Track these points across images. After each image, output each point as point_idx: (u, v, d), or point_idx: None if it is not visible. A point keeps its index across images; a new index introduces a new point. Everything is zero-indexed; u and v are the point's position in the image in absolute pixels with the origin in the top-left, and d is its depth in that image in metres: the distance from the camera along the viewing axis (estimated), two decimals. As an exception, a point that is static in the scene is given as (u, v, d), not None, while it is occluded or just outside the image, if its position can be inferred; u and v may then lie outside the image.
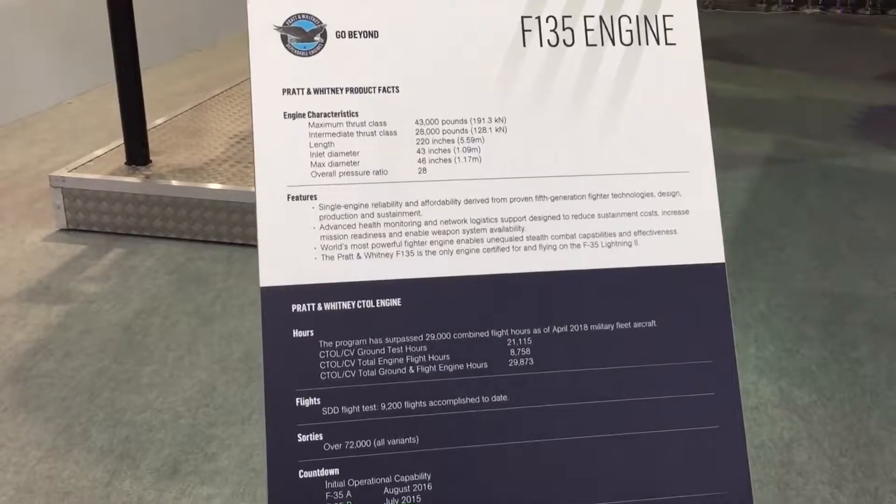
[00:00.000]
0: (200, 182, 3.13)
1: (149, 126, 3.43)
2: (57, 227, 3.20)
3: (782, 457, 2.00)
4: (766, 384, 2.28)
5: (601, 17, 0.96)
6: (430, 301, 0.87)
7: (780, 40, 7.27)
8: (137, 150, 3.26)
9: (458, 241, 0.87)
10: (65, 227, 3.19)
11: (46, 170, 3.83)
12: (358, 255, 0.88)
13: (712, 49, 6.81)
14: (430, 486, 0.84)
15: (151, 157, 3.32)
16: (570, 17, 0.96)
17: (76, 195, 3.15)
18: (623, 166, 0.93)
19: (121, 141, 3.47)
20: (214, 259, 2.99)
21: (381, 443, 0.86)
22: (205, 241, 3.10)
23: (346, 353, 0.87)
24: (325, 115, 0.90)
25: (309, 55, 0.93)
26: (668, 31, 1.01)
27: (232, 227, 3.08)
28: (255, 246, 3.08)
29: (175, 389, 2.25)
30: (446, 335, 0.88)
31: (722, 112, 4.92)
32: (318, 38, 0.92)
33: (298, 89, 0.91)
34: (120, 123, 4.46)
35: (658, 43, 1.02)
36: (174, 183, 3.12)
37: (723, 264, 0.96)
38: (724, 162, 4.01)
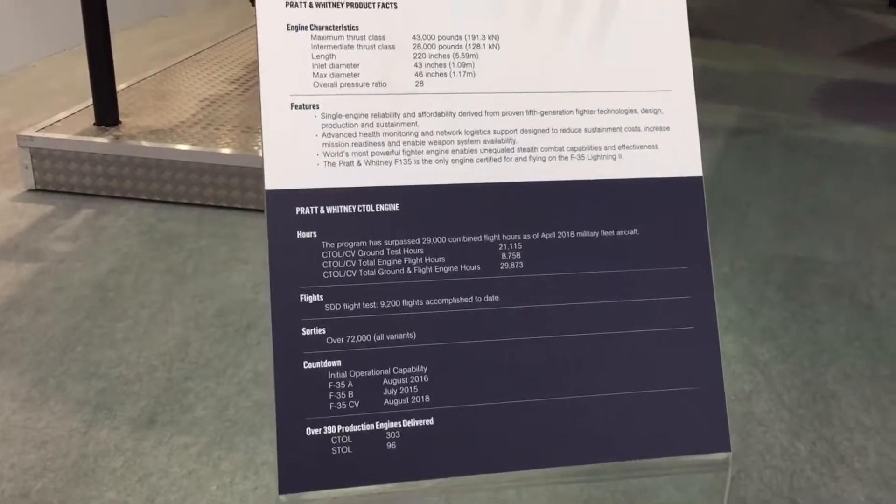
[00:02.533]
0: (171, 143, 3.12)
1: (117, 88, 3.39)
2: (25, 187, 3.17)
3: (743, 408, 2.08)
4: (729, 342, 2.35)
5: None
6: (427, 206, 0.93)
7: (749, 15, 7.36)
8: (107, 111, 3.24)
9: (453, 151, 0.93)
10: (33, 188, 3.16)
11: (12, 132, 3.78)
12: (358, 161, 0.92)
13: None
14: (426, 378, 0.90)
15: (121, 119, 3.30)
16: None
17: (44, 155, 3.12)
18: (608, 84, 0.99)
19: (89, 102, 3.44)
20: (185, 220, 2.99)
21: (380, 337, 0.91)
22: (175, 203, 3.10)
23: (348, 253, 0.92)
24: (327, 27, 0.95)
25: None
26: (653, -47, 1.06)
27: (203, 188, 3.08)
28: (226, 207, 3.09)
29: (149, 345, 2.26)
30: (442, 239, 0.93)
31: (699, 86, 4.99)
32: None
33: (301, 2, 0.95)
34: (87, 87, 4.42)
35: (643, -34, 1.06)
36: (144, 143, 3.10)
37: (700, 178, 1.03)
38: (691, 132, 4.09)
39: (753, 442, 1.95)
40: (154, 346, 2.26)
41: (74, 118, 3.31)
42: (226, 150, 3.08)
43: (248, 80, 3.95)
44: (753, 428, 2.00)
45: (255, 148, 3.10)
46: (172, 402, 2.04)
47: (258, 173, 3.03)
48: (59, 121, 3.27)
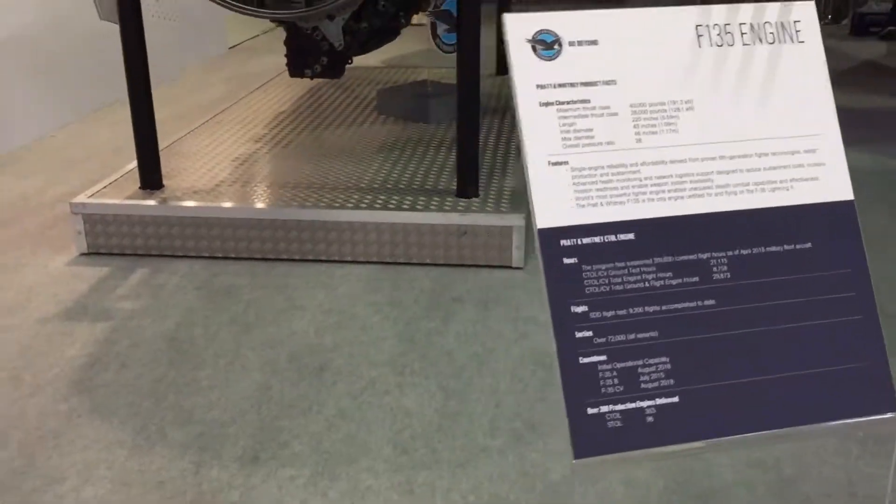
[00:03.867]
0: (216, 202, 3.30)
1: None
2: (77, 251, 3.33)
3: None
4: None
5: (751, 24, 1.31)
6: (654, 234, 1.22)
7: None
8: (151, 175, 3.42)
9: (668, 191, 1.24)
10: (85, 252, 3.32)
11: (49, 200, 3.95)
12: (601, 203, 1.20)
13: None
14: (669, 367, 1.17)
15: (164, 182, 3.48)
16: (729, 24, 1.36)
17: (97, 220, 3.29)
18: (776, 132, 1.34)
19: (129, 167, 3.63)
20: (236, 273, 3.17)
21: (631, 336, 1.17)
22: (224, 258, 3.28)
23: (601, 273, 1.17)
24: (568, 102, 1.23)
25: (552, 59, 1.24)
26: (798, 33, 1.40)
27: (250, 242, 3.26)
28: (273, 259, 3.26)
29: (234, 390, 2.43)
30: (668, 258, 1.23)
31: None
32: (556, 46, 1.22)
33: (548, 84, 1.20)
34: (109, 153, 4.61)
35: (792, 42, 1.39)
36: (191, 204, 3.29)
37: (852, 200, 1.32)
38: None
39: None
40: (238, 391, 2.42)
41: (119, 183, 3.49)
42: (268, 206, 3.27)
43: (271, 139, 4.16)
44: None
45: (294, 203, 3.29)
46: (269, 440, 2.20)
47: (301, 226, 3.24)
48: (105, 186, 3.44)
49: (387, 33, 3.52)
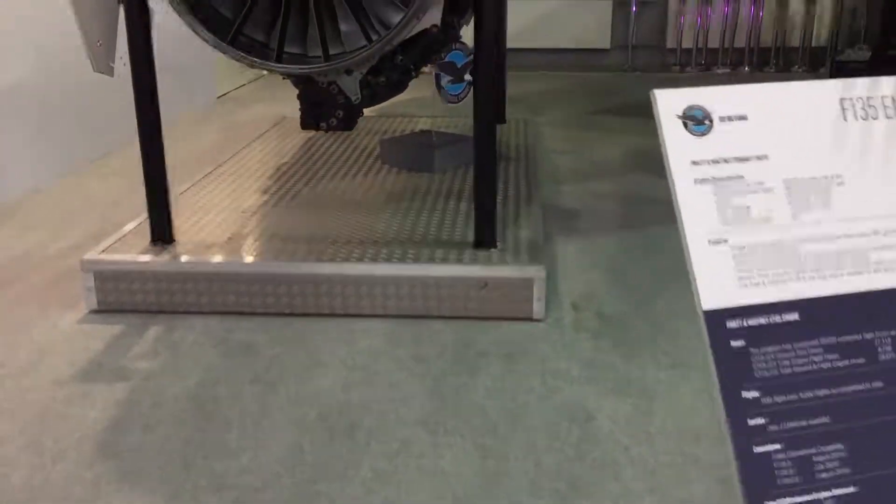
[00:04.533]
0: (229, 257, 3.25)
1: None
2: (87, 309, 3.25)
3: None
4: None
5: (892, 97, 1.27)
6: (817, 314, 1.19)
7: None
8: (163, 230, 3.37)
9: (828, 269, 1.22)
10: (95, 309, 3.25)
11: (53, 255, 3.87)
12: (762, 282, 1.17)
13: (646, 109, 7.30)
14: (844, 454, 1.15)
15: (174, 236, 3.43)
16: (872, 97, 1.35)
17: (108, 277, 3.22)
18: None
19: (138, 221, 3.58)
20: (253, 330, 3.11)
21: (804, 423, 1.14)
22: (238, 313, 3.22)
23: (769, 356, 1.14)
24: (723, 179, 1.19)
25: (703, 135, 1.22)
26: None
27: (265, 297, 3.21)
28: (288, 314, 3.21)
29: (265, 452, 2.36)
30: (833, 339, 1.20)
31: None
32: (707, 122, 1.19)
33: (702, 161, 1.18)
34: (107, 206, 4.56)
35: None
36: (205, 259, 3.24)
37: None
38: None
39: None
40: (270, 454, 2.35)
41: (128, 238, 3.43)
42: (284, 261, 3.22)
43: (277, 191, 4.13)
44: None
45: (310, 257, 3.25)
46: (309, 505, 2.14)
47: (318, 280, 3.19)
48: (115, 242, 3.38)
49: (398, 86, 3.53)
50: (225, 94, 7.99)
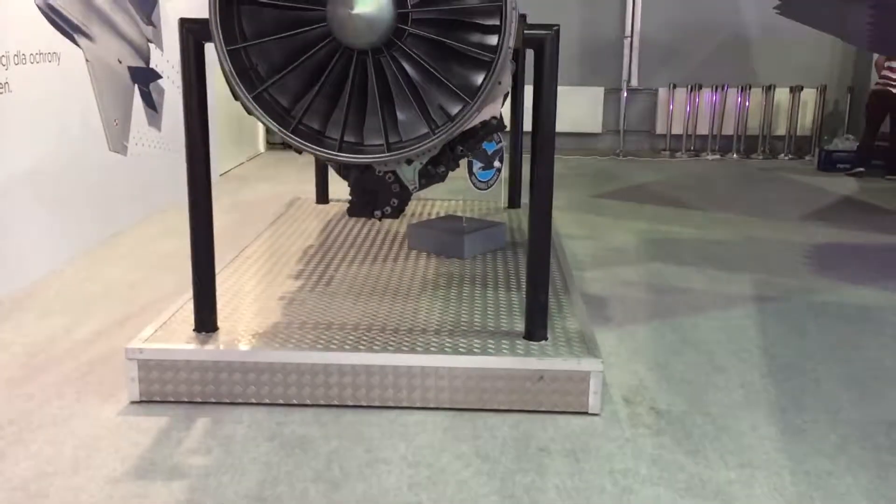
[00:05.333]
0: (275, 347, 3.17)
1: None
2: (128, 399, 3.13)
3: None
4: (877, 507, 2.51)
5: None
6: None
7: (700, 185, 8.02)
8: (207, 318, 3.28)
9: None
10: (137, 400, 3.13)
11: (79, 341, 3.75)
12: None
13: (647, 194, 7.44)
14: None
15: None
16: None
17: (152, 366, 3.11)
18: None
19: (175, 309, 3.49)
20: (304, 422, 3.01)
21: None
22: (285, 405, 3.12)
23: None
24: None
25: None
26: None
27: (315, 389, 3.12)
28: (338, 406, 3.12)
29: (345, 559, 2.25)
30: None
31: (690, 253, 5.39)
32: None
33: None
34: (125, 289, 4.47)
35: None
36: (252, 349, 3.15)
37: None
38: (723, 302, 4.41)
39: None
40: (350, 561, 2.25)
41: (169, 326, 3.33)
42: (333, 351, 3.15)
43: (309, 276, 4.07)
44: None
45: (361, 347, 3.18)
46: None
47: (369, 371, 3.12)
48: (156, 330, 3.28)
49: (446, 173, 3.53)
50: (227, 172, 7.96)
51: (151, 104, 6.13)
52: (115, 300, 4.30)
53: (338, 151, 2.99)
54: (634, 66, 9.77)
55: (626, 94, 9.80)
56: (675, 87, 9.69)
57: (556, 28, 3.10)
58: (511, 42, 2.87)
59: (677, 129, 9.83)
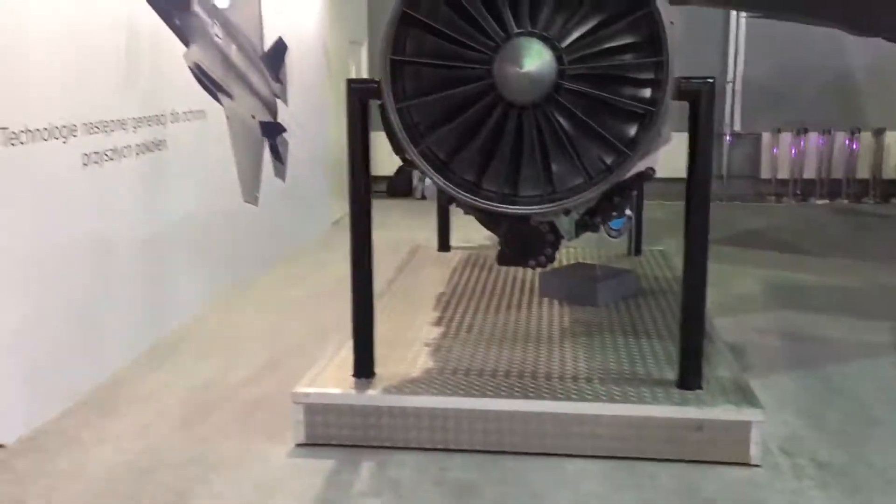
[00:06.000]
0: (435, 393, 3.25)
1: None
2: (293, 442, 3.25)
3: None
4: None
5: None
6: None
7: (812, 230, 7.87)
8: (366, 364, 3.39)
9: None
10: (302, 443, 3.24)
11: (234, 384, 3.91)
12: None
13: (760, 240, 7.34)
14: None
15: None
16: None
17: (317, 410, 3.23)
18: None
19: (332, 354, 3.61)
20: (466, 467, 3.07)
21: None
22: (445, 450, 3.18)
23: None
24: None
25: None
26: None
27: (473, 434, 3.18)
28: (497, 452, 3.15)
29: None
30: None
31: (818, 300, 5.29)
32: None
33: None
34: (266, 334, 4.63)
35: None
36: (413, 395, 3.24)
37: None
38: (866, 350, 4.31)
39: None
40: None
41: (328, 371, 3.45)
42: (491, 397, 3.21)
43: (449, 322, 4.15)
44: None
45: (517, 393, 3.24)
46: None
47: (527, 418, 3.17)
48: (318, 375, 3.41)
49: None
50: (339, 221, 8.20)
51: (278, 156, 6.40)
52: (259, 344, 4.47)
53: (499, 203, 3.09)
54: (737, 110, 9.71)
55: (729, 139, 9.73)
56: (779, 131, 9.57)
57: (711, 80, 3.15)
58: (670, 95, 2.94)
59: (783, 174, 9.68)
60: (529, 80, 2.91)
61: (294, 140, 6.69)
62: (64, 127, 3.57)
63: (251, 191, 5.88)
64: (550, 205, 3.01)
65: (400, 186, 9.84)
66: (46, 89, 3.46)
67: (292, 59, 6.64)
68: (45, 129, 3.45)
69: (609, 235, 4.50)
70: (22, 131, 3.29)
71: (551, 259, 3.39)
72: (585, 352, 3.74)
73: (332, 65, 7.89)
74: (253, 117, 5.89)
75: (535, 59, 2.90)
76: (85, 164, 3.75)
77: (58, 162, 3.55)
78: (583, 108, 3.03)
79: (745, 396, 3.19)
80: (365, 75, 9.39)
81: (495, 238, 5.59)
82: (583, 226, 3.34)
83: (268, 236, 6.16)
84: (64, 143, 3.58)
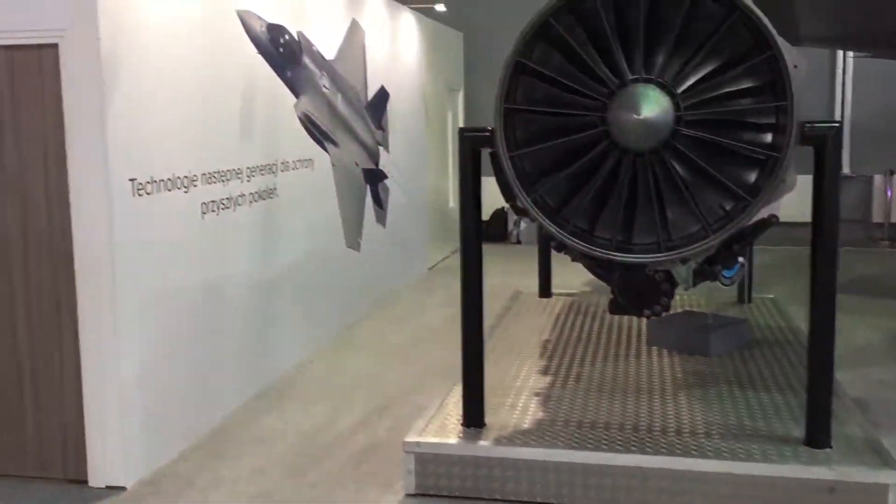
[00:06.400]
0: (548, 445, 3.18)
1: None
2: (404, 491, 3.22)
3: None
4: None
5: None
6: None
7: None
8: (476, 414, 3.35)
9: None
10: (412, 493, 3.21)
11: (343, 431, 3.92)
12: None
13: (875, 287, 7.00)
14: None
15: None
16: None
17: (428, 460, 3.20)
18: None
19: (440, 403, 3.59)
20: (580, 524, 2.98)
21: None
22: (558, 505, 3.10)
23: None
24: None
25: None
26: None
27: (587, 489, 3.09)
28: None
29: None
30: None
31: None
32: None
33: None
34: (370, 381, 4.64)
35: None
36: (526, 447, 3.17)
37: None
38: None
39: None
40: None
41: (437, 421, 3.42)
42: (606, 451, 3.12)
43: (555, 371, 4.08)
44: None
45: (633, 448, 3.14)
46: None
47: (645, 474, 3.05)
48: (427, 425, 3.38)
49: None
50: (435, 266, 8.24)
51: (379, 202, 6.48)
52: (365, 391, 4.49)
53: (614, 250, 3.03)
54: (846, 152, 9.37)
55: (836, 182, 9.38)
56: (892, 173, 9.19)
57: (838, 124, 3.03)
58: (795, 141, 2.84)
59: (896, 218, 9.27)
60: (647, 126, 2.86)
61: (394, 186, 6.78)
62: (186, 177, 3.71)
63: (354, 236, 5.96)
64: (668, 253, 2.93)
65: (495, 231, 9.84)
66: (171, 141, 3.61)
67: (393, 107, 6.76)
68: (169, 179, 3.58)
69: (722, 283, 4.35)
70: (148, 182, 3.43)
71: (666, 308, 3.29)
72: (701, 404, 3.60)
73: (430, 111, 8.00)
74: (356, 164, 6.01)
75: (653, 105, 2.86)
76: (203, 213, 3.87)
77: (179, 211, 3.68)
78: (700, 154, 2.95)
79: (881, 456, 3.01)
80: (461, 121, 9.49)
81: (597, 284, 5.50)
82: (701, 274, 3.24)
83: (369, 281, 6.23)
84: (185, 192, 3.71)
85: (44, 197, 3.27)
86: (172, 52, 3.62)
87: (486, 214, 9.11)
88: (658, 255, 2.97)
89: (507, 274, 7.57)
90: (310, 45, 5.09)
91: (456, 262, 9.17)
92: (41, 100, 3.22)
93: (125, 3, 3.28)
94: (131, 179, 3.33)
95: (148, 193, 3.43)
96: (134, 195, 3.34)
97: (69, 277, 3.27)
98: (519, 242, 9.44)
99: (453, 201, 8.99)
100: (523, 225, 9.40)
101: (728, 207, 2.98)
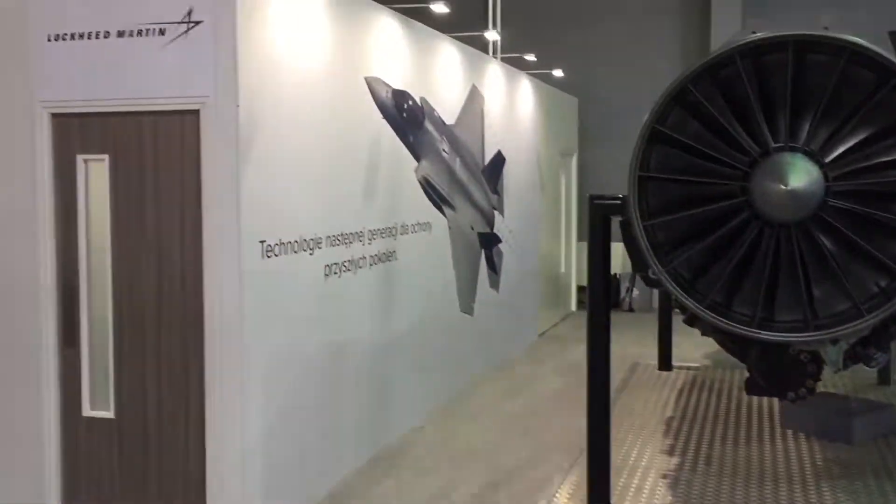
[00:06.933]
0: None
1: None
2: (527, 574, 3.07)
3: None
4: None
5: None
6: None
7: None
8: (603, 495, 3.19)
9: None
10: (535, 576, 3.06)
11: (460, 502, 3.79)
12: None
13: None
14: None
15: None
16: None
17: (555, 543, 3.05)
18: None
19: (563, 478, 3.43)
20: None
21: None
22: None
23: None
24: None
25: None
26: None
27: (725, 586, 2.86)
28: None
29: None
30: None
31: None
32: None
33: None
34: (486, 450, 4.49)
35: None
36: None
37: None
38: None
39: None
40: None
41: (561, 498, 3.28)
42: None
43: (682, 451, 3.86)
44: None
45: (775, 541, 2.90)
46: None
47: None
48: (550, 501, 3.23)
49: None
50: (545, 333, 8.07)
51: (493, 266, 6.42)
52: (480, 462, 4.36)
53: (755, 327, 2.84)
54: None
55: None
56: None
57: None
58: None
59: None
60: (794, 197, 2.71)
61: (508, 251, 6.72)
62: (312, 239, 3.74)
63: (468, 301, 5.90)
64: (817, 333, 2.73)
65: (607, 298, 9.60)
66: (298, 204, 3.65)
67: (508, 171, 6.74)
68: (296, 241, 3.62)
69: (866, 364, 4.06)
70: (277, 244, 3.47)
71: (812, 392, 3.07)
72: (847, 496, 3.32)
73: (544, 176, 7.95)
74: (472, 228, 5.98)
75: (802, 175, 2.70)
76: (326, 275, 3.89)
77: (304, 273, 3.70)
78: (850, 227, 2.77)
79: None
80: (574, 186, 9.40)
81: (719, 357, 5.22)
82: (853, 356, 3.01)
83: (481, 347, 6.13)
84: (310, 254, 3.74)
85: (179, 260, 3.34)
86: (302, 117, 3.69)
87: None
88: (807, 334, 2.77)
89: (621, 343, 7.34)
90: (431, 110, 5.14)
91: (566, 329, 9.03)
92: (181, 164, 3.31)
93: (263, 72, 3.37)
94: (261, 241, 3.37)
95: (276, 255, 3.47)
96: (263, 257, 3.38)
97: (198, 339, 3.31)
98: (632, 310, 9.17)
99: (564, 266, 8.86)
100: (636, 292, 9.15)
101: (883, 284, 2.77)
